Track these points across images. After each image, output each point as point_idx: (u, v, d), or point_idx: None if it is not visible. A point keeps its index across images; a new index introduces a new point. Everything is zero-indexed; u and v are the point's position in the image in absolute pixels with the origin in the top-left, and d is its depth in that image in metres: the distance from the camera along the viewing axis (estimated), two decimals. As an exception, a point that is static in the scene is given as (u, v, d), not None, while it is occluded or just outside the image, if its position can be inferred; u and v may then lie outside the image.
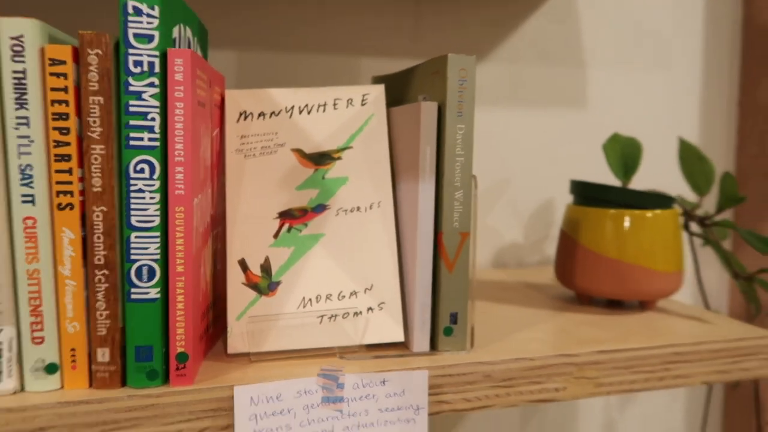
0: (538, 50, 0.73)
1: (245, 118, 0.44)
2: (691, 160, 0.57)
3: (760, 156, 0.78)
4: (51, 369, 0.35)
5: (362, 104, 0.45)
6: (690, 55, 0.79)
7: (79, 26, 0.58)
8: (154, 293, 0.34)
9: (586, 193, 0.56)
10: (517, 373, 0.42)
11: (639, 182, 0.77)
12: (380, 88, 0.45)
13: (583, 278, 0.54)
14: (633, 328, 0.49)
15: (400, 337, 0.41)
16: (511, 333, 0.47)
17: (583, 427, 0.80)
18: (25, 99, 0.32)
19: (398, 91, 0.49)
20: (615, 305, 0.56)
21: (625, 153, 0.58)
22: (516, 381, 0.42)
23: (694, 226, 0.59)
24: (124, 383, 0.35)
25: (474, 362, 0.41)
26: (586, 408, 0.80)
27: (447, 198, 0.40)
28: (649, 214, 0.53)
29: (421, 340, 0.41)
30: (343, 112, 0.45)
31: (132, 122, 0.33)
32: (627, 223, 0.53)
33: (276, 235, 0.42)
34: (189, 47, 0.40)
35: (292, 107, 0.44)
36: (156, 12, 0.33)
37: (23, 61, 0.32)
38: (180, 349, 0.35)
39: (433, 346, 0.42)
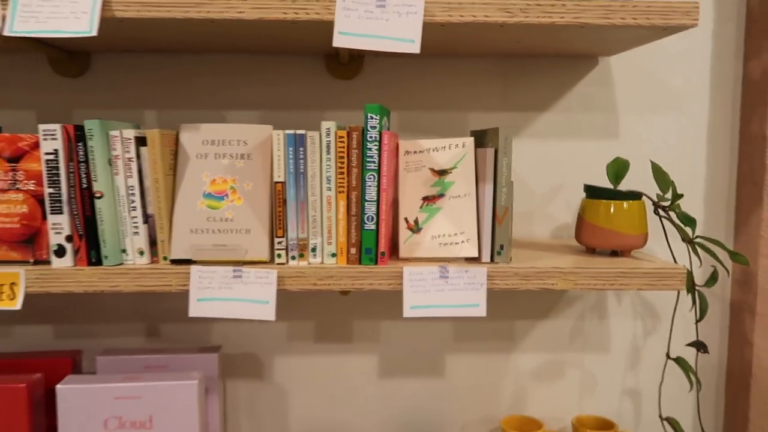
0: (584, 102, 1.16)
1: (407, 153, 0.94)
2: (658, 173, 0.98)
3: (752, 172, 1.15)
4: (333, 255, 0.88)
5: (463, 146, 0.94)
6: (698, 102, 1.17)
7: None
8: (373, 226, 0.87)
9: (591, 192, 1.00)
10: (531, 273, 0.88)
11: (646, 186, 1.17)
12: (472, 139, 0.94)
13: (585, 238, 0.98)
14: (604, 263, 0.92)
15: (475, 254, 0.90)
16: (537, 260, 0.93)
17: (614, 347, 1.21)
18: (330, 151, 0.86)
19: (481, 139, 0.97)
20: (613, 254, 0.99)
21: (618, 169, 1.01)
22: (531, 275, 0.88)
23: (662, 212, 0.99)
24: (360, 262, 0.88)
25: (510, 266, 0.88)
26: (617, 339, 1.21)
27: (498, 191, 0.88)
28: (625, 204, 0.96)
29: (485, 256, 0.89)
30: (454, 150, 0.94)
31: (368, 159, 0.86)
32: (611, 209, 0.96)
33: (420, 207, 0.92)
34: (387, 125, 0.92)
35: (429, 148, 0.94)
36: (378, 117, 0.85)
37: (330, 137, 0.86)
38: (382, 250, 0.87)
39: (492, 259, 0.90)
